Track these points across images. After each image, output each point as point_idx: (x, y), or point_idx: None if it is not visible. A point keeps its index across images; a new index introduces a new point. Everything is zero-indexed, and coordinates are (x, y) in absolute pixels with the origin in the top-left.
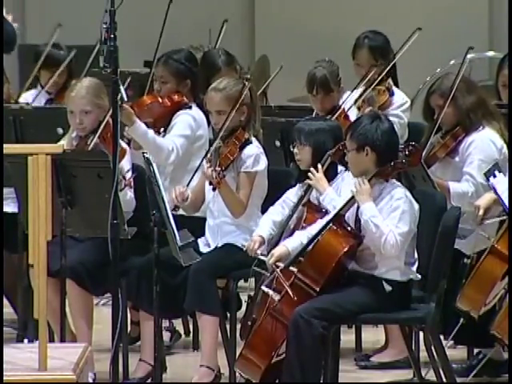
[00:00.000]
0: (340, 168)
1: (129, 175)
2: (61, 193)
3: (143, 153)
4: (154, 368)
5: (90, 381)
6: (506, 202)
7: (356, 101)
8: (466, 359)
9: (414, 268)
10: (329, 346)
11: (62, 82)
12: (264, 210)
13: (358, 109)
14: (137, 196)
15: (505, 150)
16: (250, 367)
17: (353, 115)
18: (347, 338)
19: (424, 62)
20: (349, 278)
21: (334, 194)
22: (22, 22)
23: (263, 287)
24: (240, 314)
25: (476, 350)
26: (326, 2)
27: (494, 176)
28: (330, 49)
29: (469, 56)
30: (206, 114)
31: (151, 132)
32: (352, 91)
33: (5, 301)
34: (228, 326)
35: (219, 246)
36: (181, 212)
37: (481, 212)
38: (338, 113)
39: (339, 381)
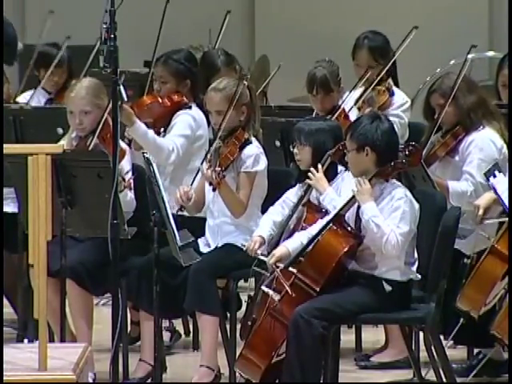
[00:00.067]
0: (340, 168)
1: (128, 176)
2: (61, 193)
3: (143, 153)
4: (154, 368)
5: (90, 381)
6: (506, 202)
7: (356, 101)
8: (466, 359)
9: (414, 268)
10: (329, 346)
11: (61, 82)
12: (264, 210)
13: (359, 109)
14: (137, 196)
15: (505, 149)
16: (250, 367)
17: (353, 116)
18: (347, 337)
19: (424, 62)
20: (349, 278)
21: (334, 194)
22: (22, 22)
23: (263, 287)
24: (240, 314)
25: (476, 350)
26: (325, 2)
27: (494, 176)
28: (330, 49)
29: (469, 56)
30: (206, 114)
31: (151, 132)
32: (350, 91)
33: (5, 301)
34: (228, 326)
35: (219, 246)
36: (181, 212)
37: (481, 212)
38: (338, 113)
39: (339, 381)
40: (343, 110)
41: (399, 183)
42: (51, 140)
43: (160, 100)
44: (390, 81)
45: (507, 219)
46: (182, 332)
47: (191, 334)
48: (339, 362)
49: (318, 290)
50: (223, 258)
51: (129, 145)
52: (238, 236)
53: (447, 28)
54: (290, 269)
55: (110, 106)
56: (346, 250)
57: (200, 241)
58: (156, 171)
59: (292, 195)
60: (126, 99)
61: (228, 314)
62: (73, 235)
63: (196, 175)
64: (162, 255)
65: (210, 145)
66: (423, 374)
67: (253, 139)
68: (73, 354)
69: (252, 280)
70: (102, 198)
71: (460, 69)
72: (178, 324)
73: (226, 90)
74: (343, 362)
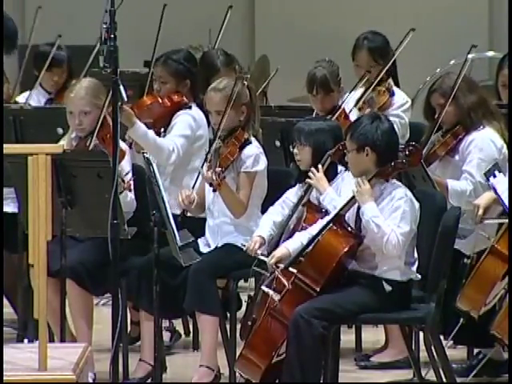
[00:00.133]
0: (340, 168)
1: (128, 177)
2: (61, 193)
3: (143, 153)
4: (154, 368)
5: (90, 381)
6: (506, 202)
7: (357, 102)
8: (466, 359)
9: (414, 268)
10: (329, 345)
11: (61, 82)
12: (264, 210)
13: (359, 110)
14: (137, 196)
15: (505, 149)
16: (250, 367)
17: (353, 117)
18: (347, 337)
19: (424, 62)
20: (349, 278)
21: (334, 194)
22: (22, 22)
23: (263, 287)
24: (240, 314)
25: (476, 350)
26: (326, 2)
27: (494, 176)
28: (330, 49)
29: (469, 56)
30: (206, 114)
31: (151, 133)
32: (350, 92)
33: (5, 301)
34: (228, 326)
35: (219, 246)
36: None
37: (480, 211)
38: (338, 113)
39: (339, 381)
40: (343, 110)
41: (399, 183)
42: (51, 140)
43: (160, 100)
44: (391, 81)
45: (507, 220)
46: (182, 332)
47: (191, 334)
48: (339, 362)
49: (318, 289)
50: (223, 258)
51: (130, 146)
52: (238, 236)
53: (447, 28)
54: (290, 269)
55: (107, 105)
56: (346, 249)
57: (200, 241)
58: (156, 171)
59: (292, 195)
60: (125, 99)
61: (228, 314)
62: (73, 235)
63: (198, 177)
64: (162, 255)
65: (210, 145)
66: (423, 374)
67: (252, 139)
68: (73, 354)
69: (252, 280)
70: (102, 198)
71: (460, 69)
72: (178, 324)
73: (225, 90)
74: (343, 362)
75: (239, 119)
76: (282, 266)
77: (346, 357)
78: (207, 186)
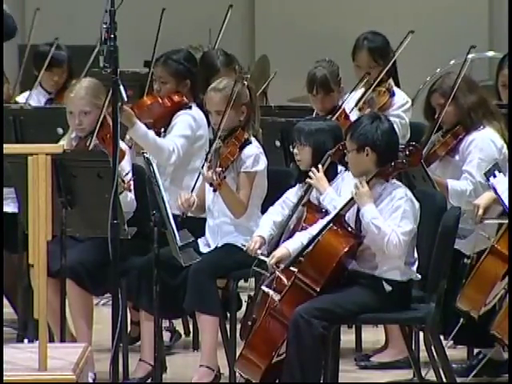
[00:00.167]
0: (340, 168)
1: (128, 178)
2: (61, 193)
3: (143, 152)
4: (154, 368)
5: (90, 381)
6: (506, 202)
7: (357, 103)
8: (466, 359)
9: (414, 268)
10: (329, 345)
11: (62, 82)
12: (264, 210)
13: (359, 110)
14: (137, 196)
15: (505, 149)
16: (250, 367)
17: (354, 117)
18: (347, 338)
19: (424, 62)
20: (349, 278)
21: (334, 194)
22: (22, 22)
23: (263, 287)
24: (240, 314)
25: (476, 350)
26: (326, 2)
27: (494, 176)
28: (329, 49)
29: (469, 56)
30: (206, 114)
31: (151, 133)
32: (350, 92)
33: (5, 301)
34: (228, 326)
35: (219, 246)
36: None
37: (480, 211)
38: (339, 113)
39: (339, 381)
40: (343, 110)
41: (399, 183)
42: (51, 140)
43: (160, 100)
44: (391, 81)
45: (507, 220)
46: (182, 332)
47: (191, 334)
48: (339, 362)
49: (318, 289)
50: (223, 258)
51: (130, 147)
52: (238, 236)
53: (447, 28)
54: (291, 269)
55: (107, 104)
56: (346, 249)
57: (200, 241)
58: (156, 171)
59: (292, 195)
60: (125, 99)
61: (228, 314)
62: (73, 235)
63: (198, 178)
64: (162, 255)
65: (210, 145)
66: (423, 374)
67: (253, 139)
68: (73, 354)
69: (252, 280)
70: (102, 198)
71: (460, 69)
72: (178, 324)
73: (225, 90)
74: (343, 362)
75: (239, 119)
76: (282, 265)
77: (346, 357)
78: (207, 185)
